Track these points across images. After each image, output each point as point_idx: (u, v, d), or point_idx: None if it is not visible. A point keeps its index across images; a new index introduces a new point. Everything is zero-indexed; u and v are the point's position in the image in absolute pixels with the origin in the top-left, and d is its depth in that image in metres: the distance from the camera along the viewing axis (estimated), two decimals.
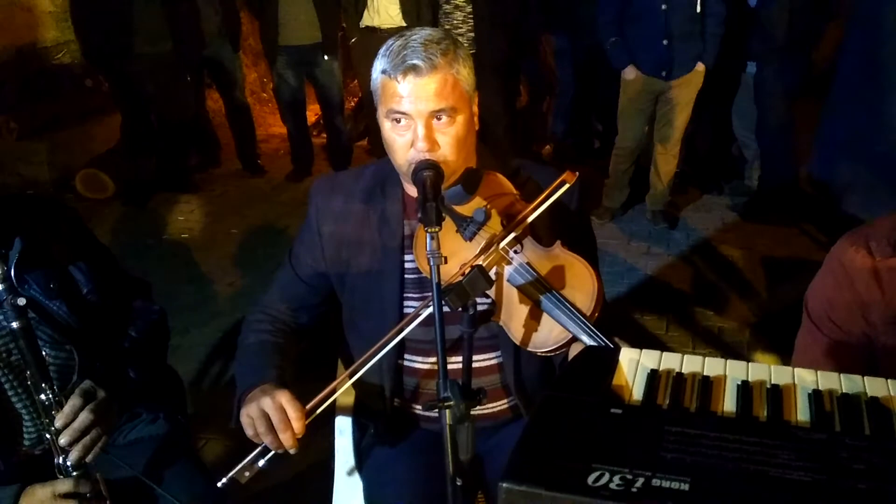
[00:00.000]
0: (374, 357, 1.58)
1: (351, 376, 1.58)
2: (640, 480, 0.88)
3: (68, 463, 1.49)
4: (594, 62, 5.40)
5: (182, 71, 5.31)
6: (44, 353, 1.58)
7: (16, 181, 5.34)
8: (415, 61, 1.47)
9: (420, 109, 1.49)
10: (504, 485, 0.91)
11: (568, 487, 0.89)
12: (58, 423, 1.47)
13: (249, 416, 1.51)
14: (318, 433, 1.59)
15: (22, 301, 1.44)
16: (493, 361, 1.71)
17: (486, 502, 1.76)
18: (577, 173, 1.58)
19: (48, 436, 1.49)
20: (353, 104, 7.02)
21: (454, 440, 1.24)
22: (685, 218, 5.06)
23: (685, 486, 0.88)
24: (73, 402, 1.49)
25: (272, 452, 1.50)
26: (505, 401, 1.76)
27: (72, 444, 1.48)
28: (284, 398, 1.51)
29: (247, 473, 1.50)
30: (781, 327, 3.62)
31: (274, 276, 1.84)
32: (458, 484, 1.26)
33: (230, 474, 1.50)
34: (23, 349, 1.46)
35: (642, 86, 4.55)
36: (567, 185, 1.55)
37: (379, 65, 1.53)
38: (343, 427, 1.89)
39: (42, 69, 5.86)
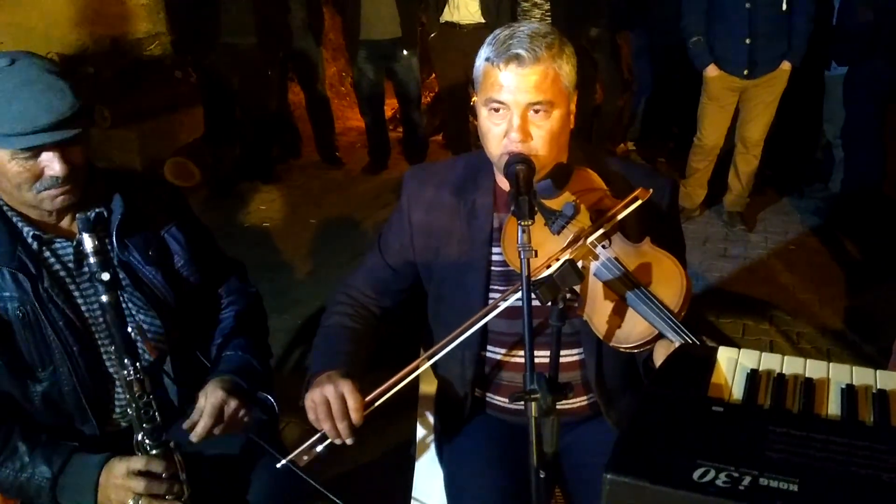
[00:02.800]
0: (447, 346, 1.60)
1: (415, 369, 1.59)
2: (747, 479, 0.87)
3: (146, 441, 1.52)
4: (673, 61, 5.31)
5: (265, 64, 5.42)
6: (137, 318, 1.65)
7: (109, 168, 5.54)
8: (519, 51, 1.48)
9: (518, 100, 1.50)
10: (608, 476, 0.91)
11: (673, 482, 0.89)
12: (193, 438, 1.57)
13: (312, 402, 1.54)
14: (400, 421, 1.61)
15: (105, 276, 1.45)
16: (575, 358, 1.72)
17: (564, 498, 1.76)
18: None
19: (130, 411, 1.52)
20: (429, 99, 7.07)
21: (539, 433, 1.25)
22: (763, 221, 4.95)
23: (794, 487, 0.87)
24: (205, 422, 1.59)
25: (329, 440, 1.53)
26: (584, 397, 1.76)
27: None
28: (346, 388, 1.53)
29: (305, 457, 1.53)
30: (863, 335, 3.54)
31: (362, 259, 1.87)
32: (542, 476, 1.27)
33: (290, 456, 1.53)
34: (109, 323, 1.49)
35: (724, 83, 4.46)
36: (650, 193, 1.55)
37: (483, 52, 1.55)
38: (425, 416, 1.92)
39: (134, 60, 6.08)
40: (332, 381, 1.55)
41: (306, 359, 3.45)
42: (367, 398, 1.55)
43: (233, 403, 1.63)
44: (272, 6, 5.24)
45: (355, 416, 1.52)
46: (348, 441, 1.53)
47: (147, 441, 1.52)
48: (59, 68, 1.51)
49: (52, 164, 1.48)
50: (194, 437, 1.55)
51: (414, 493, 1.87)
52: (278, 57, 5.53)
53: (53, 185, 1.50)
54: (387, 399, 1.56)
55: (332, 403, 1.52)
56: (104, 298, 1.46)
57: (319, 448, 1.54)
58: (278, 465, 1.54)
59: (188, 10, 5.14)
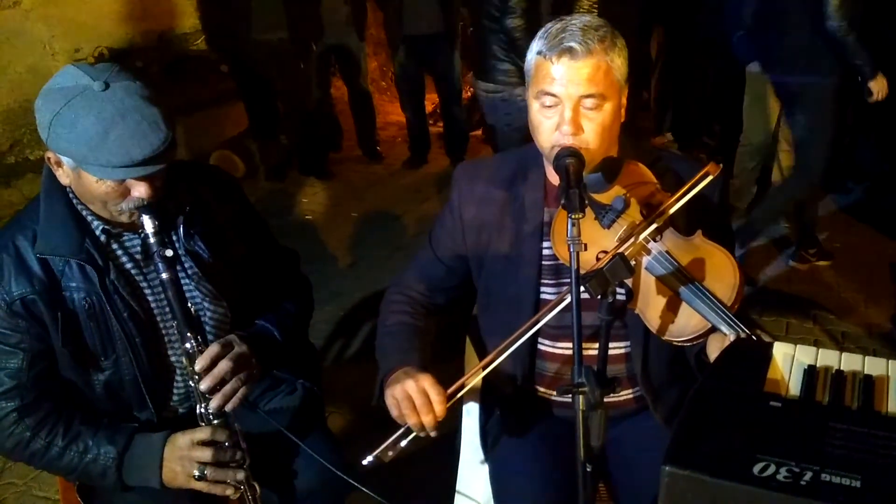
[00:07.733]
0: (513, 344, 1.61)
1: (490, 363, 1.61)
2: (809, 474, 0.87)
3: (209, 411, 1.59)
4: (712, 56, 5.24)
5: (297, 57, 5.41)
6: (204, 307, 1.69)
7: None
8: (571, 44, 1.48)
9: (570, 93, 1.50)
10: (667, 468, 0.91)
11: (733, 476, 0.88)
12: (197, 367, 1.56)
13: (394, 398, 1.56)
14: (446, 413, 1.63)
15: (169, 252, 1.53)
16: (622, 351, 1.71)
17: (608, 493, 1.76)
18: (721, 165, 1.55)
19: (192, 383, 1.59)
20: (470, 94, 7.05)
21: (586, 426, 1.25)
22: None
23: (856, 483, 0.86)
24: (212, 349, 1.58)
25: (414, 433, 1.55)
26: (630, 391, 1.76)
27: (212, 391, 1.57)
28: (427, 382, 1.55)
29: (390, 453, 1.56)
30: None
31: (414, 257, 1.89)
32: (588, 470, 1.28)
33: (375, 453, 1.55)
34: (170, 299, 1.55)
35: (768, 80, 4.37)
36: (710, 178, 1.53)
37: (535, 46, 1.56)
38: (470, 408, 1.91)
39: (180, 55, 6.16)
40: (410, 376, 1.58)
41: (347, 351, 3.50)
42: (448, 390, 1.57)
43: (243, 346, 1.64)
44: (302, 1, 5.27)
45: (439, 409, 1.54)
46: (433, 434, 1.55)
47: (210, 412, 1.59)
48: (151, 92, 1.49)
49: (138, 187, 1.49)
50: (200, 361, 1.56)
51: (458, 486, 1.88)
52: (311, 50, 5.53)
53: (139, 205, 1.51)
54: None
55: (414, 398, 1.54)
56: (164, 275, 1.52)
57: (404, 442, 1.56)
58: (364, 462, 1.56)
59: (219, 8, 5.19)
